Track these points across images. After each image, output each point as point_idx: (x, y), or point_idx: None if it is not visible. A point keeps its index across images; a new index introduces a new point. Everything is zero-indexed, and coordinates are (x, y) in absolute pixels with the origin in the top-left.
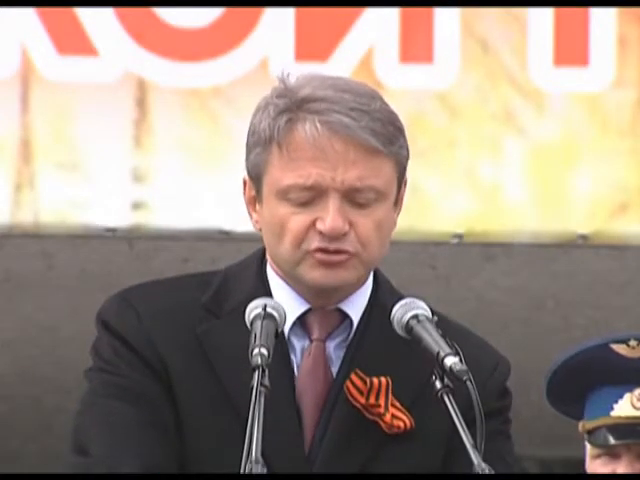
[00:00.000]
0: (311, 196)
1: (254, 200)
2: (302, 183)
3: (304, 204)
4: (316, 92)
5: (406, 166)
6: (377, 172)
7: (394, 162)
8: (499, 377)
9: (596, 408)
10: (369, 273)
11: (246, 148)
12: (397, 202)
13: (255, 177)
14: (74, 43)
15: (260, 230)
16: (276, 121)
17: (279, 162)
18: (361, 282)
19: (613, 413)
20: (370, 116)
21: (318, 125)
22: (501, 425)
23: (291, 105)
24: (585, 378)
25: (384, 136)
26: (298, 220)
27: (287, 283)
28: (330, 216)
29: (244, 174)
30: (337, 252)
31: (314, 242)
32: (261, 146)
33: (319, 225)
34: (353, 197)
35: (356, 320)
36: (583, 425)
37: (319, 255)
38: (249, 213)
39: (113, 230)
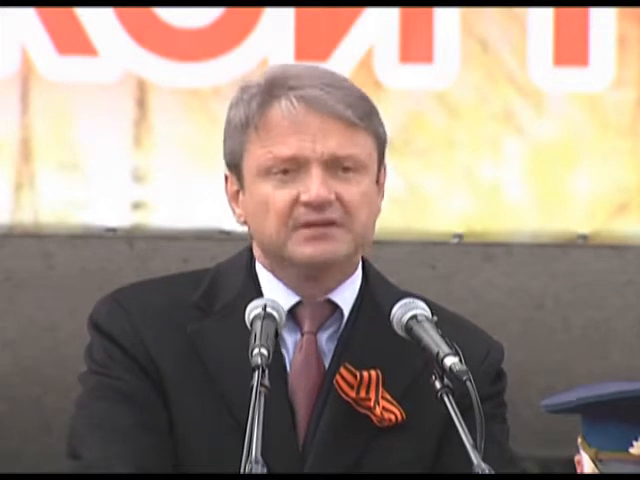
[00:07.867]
0: (293, 170)
1: (237, 194)
2: (282, 156)
3: (286, 179)
4: (288, 73)
5: (385, 146)
6: (356, 142)
7: (373, 136)
8: (491, 363)
9: (610, 440)
10: (358, 254)
11: (223, 144)
12: (379, 184)
13: (234, 164)
14: (74, 43)
15: (244, 223)
16: (250, 105)
17: (257, 142)
18: (350, 260)
19: (632, 450)
20: (344, 92)
21: (294, 100)
22: (495, 409)
23: (263, 89)
24: (601, 413)
25: (360, 109)
26: (281, 196)
27: (276, 277)
28: (314, 184)
29: (225, 171)
30: (324, 224)
31: (300, 216)
32: (238, 132)
33: (303, 196)
34: (335, 168)
35: (347, 311)
36: (592, 450)
37: (306, 231)
38: (232, 209)
39: (113, 230)
